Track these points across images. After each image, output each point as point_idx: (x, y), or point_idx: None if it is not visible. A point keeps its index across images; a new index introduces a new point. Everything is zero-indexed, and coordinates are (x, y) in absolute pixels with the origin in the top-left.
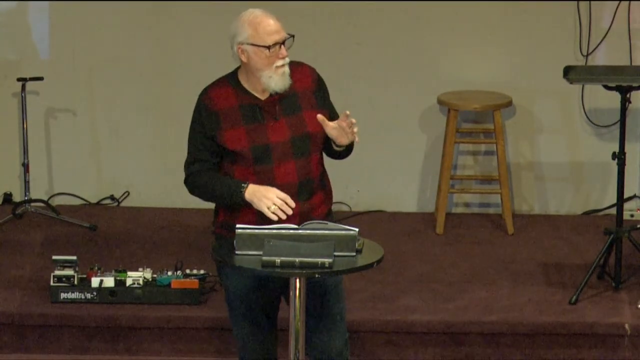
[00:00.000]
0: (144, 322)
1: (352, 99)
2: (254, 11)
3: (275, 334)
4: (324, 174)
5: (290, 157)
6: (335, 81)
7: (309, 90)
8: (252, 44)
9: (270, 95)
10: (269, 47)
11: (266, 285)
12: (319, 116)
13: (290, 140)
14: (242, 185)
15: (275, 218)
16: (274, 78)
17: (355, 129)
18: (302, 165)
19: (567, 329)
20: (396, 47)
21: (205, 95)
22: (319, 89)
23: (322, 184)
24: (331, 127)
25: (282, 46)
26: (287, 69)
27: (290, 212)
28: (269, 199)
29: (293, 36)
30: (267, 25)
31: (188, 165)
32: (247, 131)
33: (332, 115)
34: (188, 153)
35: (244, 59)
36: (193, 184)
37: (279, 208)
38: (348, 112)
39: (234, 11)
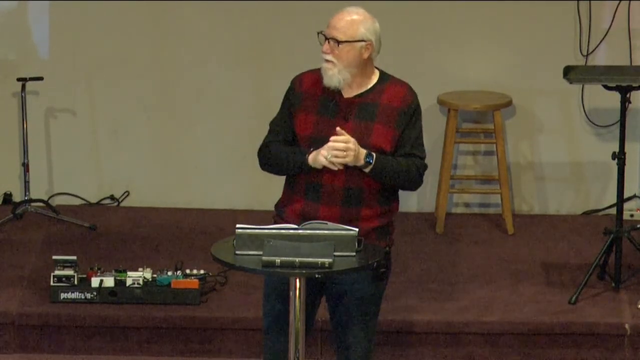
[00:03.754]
0: (144, 322)
1: None
2: (350, 7)
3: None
4: (385, 190)
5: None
6: None
7: (394, 108)
8: None
9: (354, 96)
10: (318, 33)
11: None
12: (337, 128)
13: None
14: (307, 151)
15: (335, 167)
16: (322, 69)
17: (333, 153)
18: (354, 173)
19: (567, 329)
20: (396, 47)
21: (299, 76)
22: (407, 113)
23: (379, 200)
24: None
25: (327, 41)
26: (328, 67)
27: (343, 159)
28: (323, 149)
29: (338, 42)
30: (333, 17)
31: (265, 138)
32: (316, 121)
33: (402, 144)
34: (269, 125)
35: None
36: (262, 154)
37: (333, 157)
38: (338, 129)
39: (235, 11)
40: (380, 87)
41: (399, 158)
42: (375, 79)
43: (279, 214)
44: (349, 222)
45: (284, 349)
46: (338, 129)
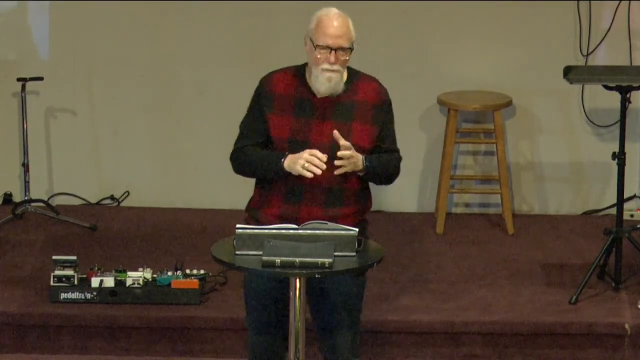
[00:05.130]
0: (144, 322)
1: None
2: (330, 10)
3: (286, 337)
4: (362, 188)
5: (326, 162)
6: None
7: (369, 105)
8: (310, 38)
9: (329, 95)
10: (316, 47)
11: (280, 286)
12: (335, 132)
13: (331, 145)
14: (283, 155)
15: (309, 175)
16: (319, 79)
17: (341, 162)
18: (335, 174)
19: (567, 329)
20: (396, 47)
21: (268, 76)
22: (381, 108)
23: (358, 198)
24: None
25: (333, 52)
26: (334, 76)
27: (322, 165)
28: (301, 158)
29: (351, 49)
30: (328, 26)
31: (236, 141)
32: (293, 122)
33: (383, 140)
34: (239, 129)
35: (305, 50)
36: (236, 159)
37: (311, 164)
38: (342, 143)
39: (234, 11)
40: (353, 85)
41: (382, 155)
42: (345, 75)
43: (252, 216)
44: (334, 222)
45: (271, 348)
46: (335, 132)
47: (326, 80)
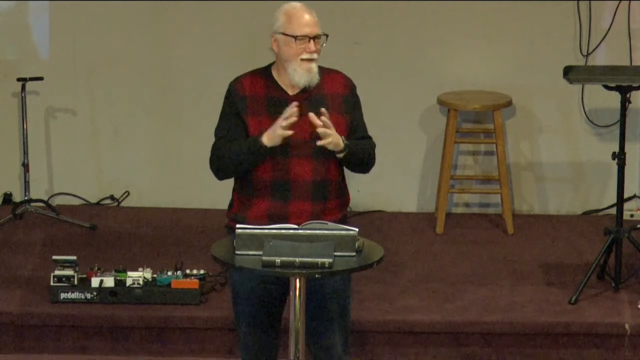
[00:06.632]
0: (144, 322)
1: None
2: (294, 3)
3: (278, 335)
4: (342, 181)
5: (309, 156)
6: None
7: (340, 96)
8: (283, 33)
9: (300, 91)
10: (295, 37)
11: (270, 286)
12: (311, 114)
13: (312, 139)
14: (256, 137)
15: (288, 128)
16: (298, 71)
17: (322, 130)
18: (320, 165)
19: (567, 329)
20: (396, 46)
21: (237, 81)
22: (351, 97)
23: (339, 191)
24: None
25: (312, 41)
26: (313, 66)
27: (294, 111)
28: (277, 126)
29: (327, 35)
30: (301, 17)
31: (214, 144)
32: (271, 122)
33: (356, 129)
34: (215, 135)
35: (275, 48)
36: (215, 159)
37: (287, 120)
38: (323, 110)
39: (234, 11)
40: (320, 78)
41: (358, 141)
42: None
43: (236, 220)
44: (318, 216)
45: (261, 346)
46: (310, 114)
47: (306, 71)
